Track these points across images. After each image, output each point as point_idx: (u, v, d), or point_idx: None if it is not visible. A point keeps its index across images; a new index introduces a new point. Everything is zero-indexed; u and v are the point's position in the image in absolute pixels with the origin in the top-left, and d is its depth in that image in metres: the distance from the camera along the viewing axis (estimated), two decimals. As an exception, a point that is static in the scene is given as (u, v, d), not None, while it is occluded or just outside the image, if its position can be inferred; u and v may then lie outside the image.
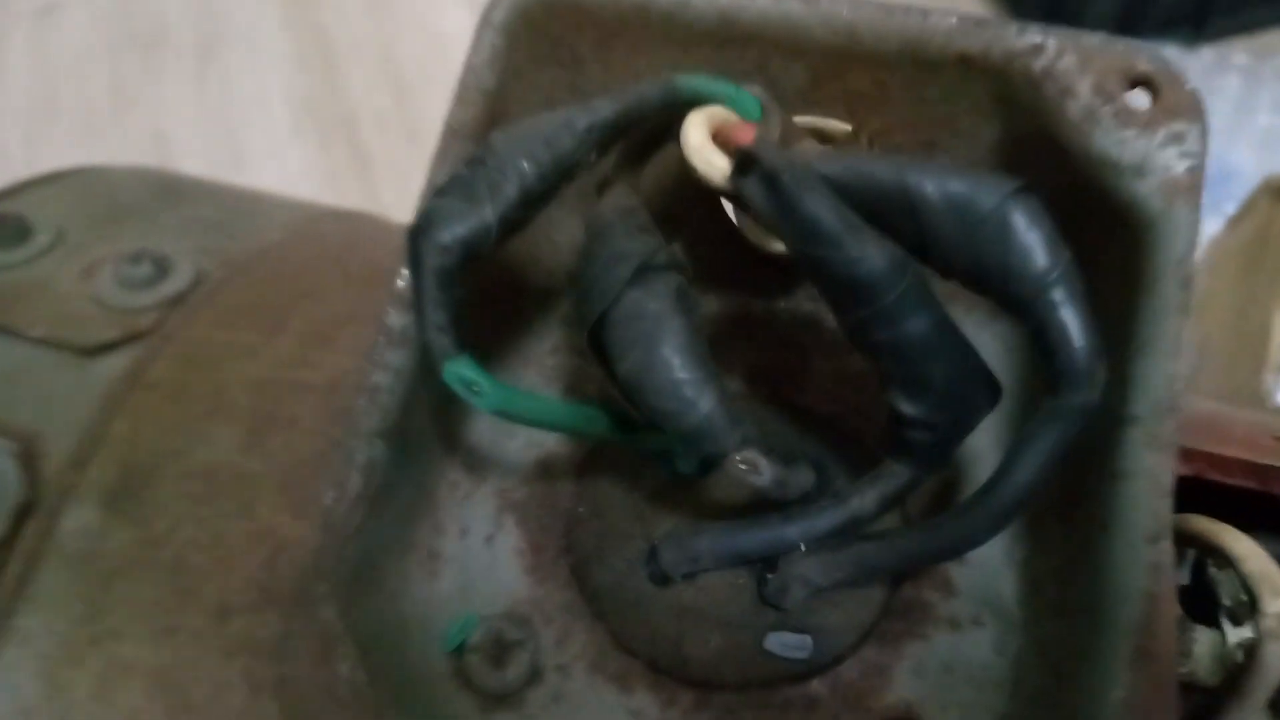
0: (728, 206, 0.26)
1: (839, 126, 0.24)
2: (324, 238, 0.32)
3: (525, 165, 0.19)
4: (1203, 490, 0.27)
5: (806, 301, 0.26)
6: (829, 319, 0.26)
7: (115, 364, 0.27)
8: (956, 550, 0.20)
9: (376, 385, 0.20)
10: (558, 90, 0.24)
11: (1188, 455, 0.27)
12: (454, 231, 0.19)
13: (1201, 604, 0.27)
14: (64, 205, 0.32)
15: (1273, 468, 0.26)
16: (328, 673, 0.19)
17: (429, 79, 1.02)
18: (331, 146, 0.98)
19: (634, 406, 0.20)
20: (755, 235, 0.25)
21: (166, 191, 0.34)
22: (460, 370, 0.19)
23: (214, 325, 0.28)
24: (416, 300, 0.19)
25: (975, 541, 0.19)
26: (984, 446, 0.24)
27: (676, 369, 0.19)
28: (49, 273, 0.29)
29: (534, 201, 0.20)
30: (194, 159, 0.94)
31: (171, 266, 0.29)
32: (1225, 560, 0.25)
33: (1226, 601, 0.27)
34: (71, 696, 0.24)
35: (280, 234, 0.31)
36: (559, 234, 0.26)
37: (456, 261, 0.19)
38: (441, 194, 0.19)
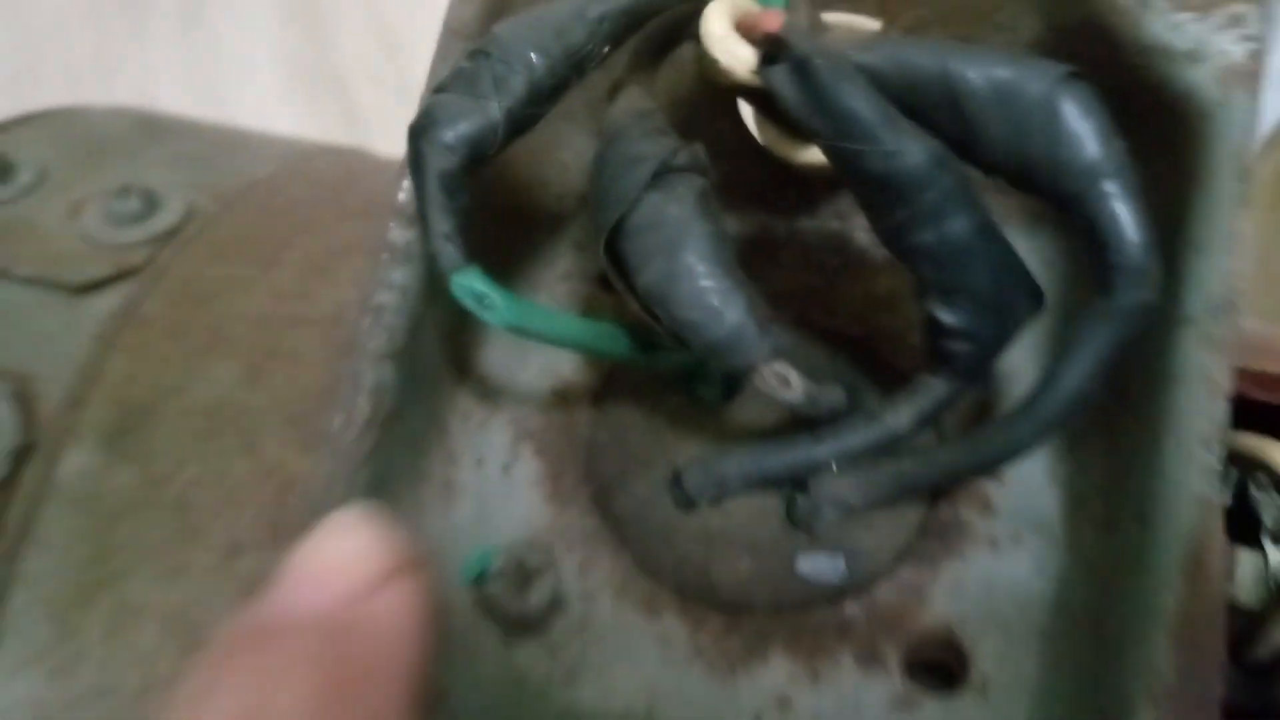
0: (748, 118, 0.24)
1: (867, 23, 0.22)
2: (317, 172, 0.31)
3: (533, 56, 0.18)
4: (1245, 409, 0.26)
5: (832, 220, 0.25)
6: (856, 238, 0.25)
7: (108, 302, 0.26)
8: (1002, 461, 0.19)
9: (382, 305, 0.19)
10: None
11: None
12: (458, 129, 0.17)
13: (1244, 525, 0.26)
14: (45, 143, 0.31)
15: (1319, 383, 0.25)
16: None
17: (418, 35, 0.99)
18: (321, 105, 0.96)
19: (656, 321, 0.18)
20: (778, 145, 0.23)
21: (149, 128, 0.33)
22: (469, 282, 0.18)
23: (208, 260, 0.26)
24: (420, 207, 0.18)
25: (1021, 452, 0.18)
26: (1020, 363, 0.22)
27: (701, 276, 0.18)
28: (34, 211, 0.28)
29: (543, 97, 0.18)
30: (183, 121, 0.91)
31: (161, 201, 0.28)
32: (1270, 478, 0.24)
33: (1269, 523, 0.27)
34: (83, 639, 0.23)
35: (271, 168, 0.30)
36: (567, 153, 0.24)
37: (461, 162, 0.18)
38: (443, 89, 0.18)
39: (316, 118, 0.96)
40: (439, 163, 0.17)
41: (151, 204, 0.27)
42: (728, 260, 0.18)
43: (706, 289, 0.18)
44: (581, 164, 0.25)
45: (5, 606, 0.24)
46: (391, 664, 0.13)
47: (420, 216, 0.18)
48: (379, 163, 0.33)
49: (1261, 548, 0.26)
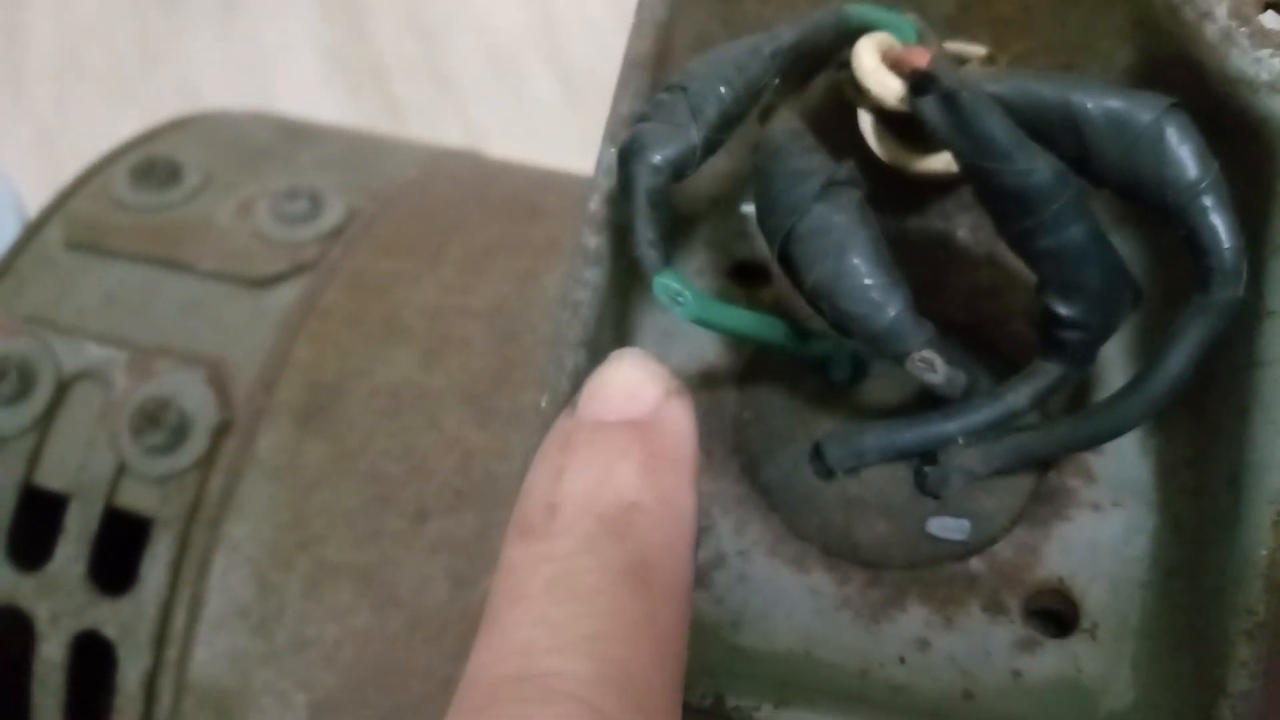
0: (866, 130, 0.27)
1: (977, 51, 0.25)
2: (454, 174, 0.34)
3: (722, 89, 0.21)
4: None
5: (936, 220, 0.28)
6: (958, 236, 0.28)
7: (287, 293, 0.29)
8: (1111, 435, 0.22)
9: (579, 300, 0.22)
10: (712, 23, 0.26)
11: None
12: (664, 152, 0.21)
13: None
14: (201, 147, 0.34)
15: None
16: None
17: (455, 26, 1.01)
18: (362, 95, 0.98)
19: (822, 314, 0.22)
20: (896, 156, 0.26)
21: (291, 133, 0.36)
22: (668, 282, 0.21)
23: (376, 255, 0.29)
24: (629, 219, 0.21)
25: (1127, 427, 0.22)
26: (1113, 354, 0.26)
27: (865, 275, 0.21)
28: (206, 211, 0.31)
29: (730, 123, 0.21)
30: (228, 111, 0.94)
31: (324, 201, 0.31)
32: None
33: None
34: (283, 596, 0.26)
35: (415, 170, 0.33)
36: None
37: (666, 180, 0.21)
38: (646, 119, 0.21)
39: (356, 105, 0.98)
40: (647, 181, 0.20)
41: (316, 204, 0.30)
42: (887, 261, 0.21)
43: (870, 286, 0.21)
44: (712, 171, 0.28)
45: (210, 568, 0.27)
46: (685, 452, 0.18)
47: (628, 228, 0.21)
48: (498, 165, 0.36)
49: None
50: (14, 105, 0.98)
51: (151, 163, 0.32)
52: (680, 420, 0.18)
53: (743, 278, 0.28)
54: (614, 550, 0.16)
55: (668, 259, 0.21)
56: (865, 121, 0.26)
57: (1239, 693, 0.20)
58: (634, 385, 0.19)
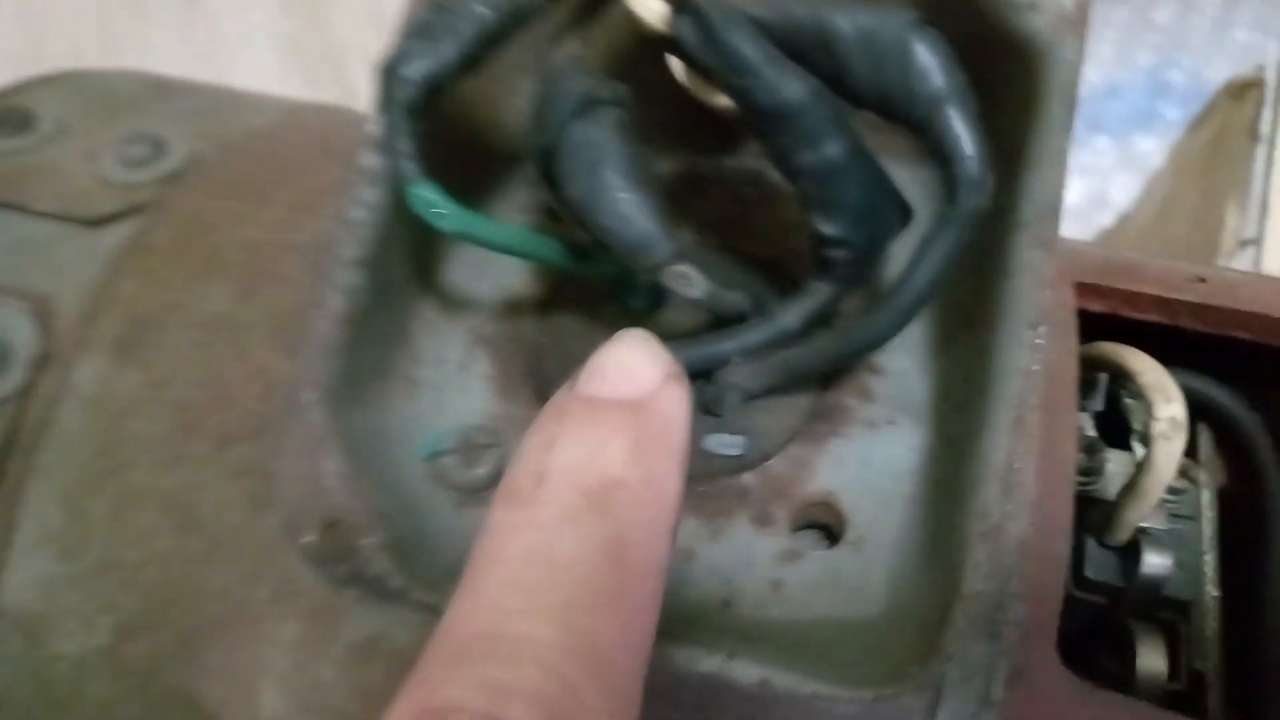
0: (674, 67, 0.28)
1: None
2: (308, 124, 0.34)
3: (481, 8, 0.22)
4: (1117, 327, 0.30)
5: (749, 159, 0.28)
6: (769, 174, 0.29)
7: (119, 232, 0.29)
8: (870, 345, 0.22)
9: (354, 219, 0.23)
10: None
11: (1101, 293, 0.29)
12: (417, 67, 0.21)
13: (1115, 430, 0.30)
14: (63, 99, 0.34)
15: (1180, 301, 0.29)
16: (316, 467, 0.22)
17: (414, 17, 1.02)
18: (319, 84, 1.00)
19: (584, 229, 0.22)
20: (699, 90, 0.27)
21: (158, 87, 0.36)
22: (424, 193, 0.21)
23: (208, 196, 0.30)
24: (386, 132, 0.21)
25: (886, 336, 0.22)
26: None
27: (617, 189, 0.21)
28: (53, 157, 0.32)
29: (490, 42, 0.22)
30: (184, 99, 0.95)
31: (167, 147, 0.31)
32: (1130, 381, 0.28)
33: (1137, 426, 0.30)
34: (91, 520, 0.27)
35: (267, 120, 0.34)
36: (519, 99, 0.28)
37: (421, 94, 0.21)
38: (406, 36, 0.22)
39: (314, 94, 0.99)
40: (402, 94, 0.21)
41: (159, 149, 0.31)
42: (640, 178, 0.22)
43: (621, 199, 0.21)
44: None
45: (22, 496, 0.27)
46: (676, 438, 0.18)
47: (386, 141, 0.21)
48: (361, 116, 0.37)
49: (1130, 449, 0.30)
50: (-25, 95, 0.99)
51: (5, 111, 0.32)
52: (675, 406, 0.18)
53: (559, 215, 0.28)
54: (594, 524, 0.16)
55: (427, 173, 0.21)
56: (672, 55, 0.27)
57: (971, 593, 0.20)
58: (632, 365, 0.19)
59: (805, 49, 0.22)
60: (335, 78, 1.00)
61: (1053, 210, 0.21)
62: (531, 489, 0.17)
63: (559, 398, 0.19)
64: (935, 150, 0.21)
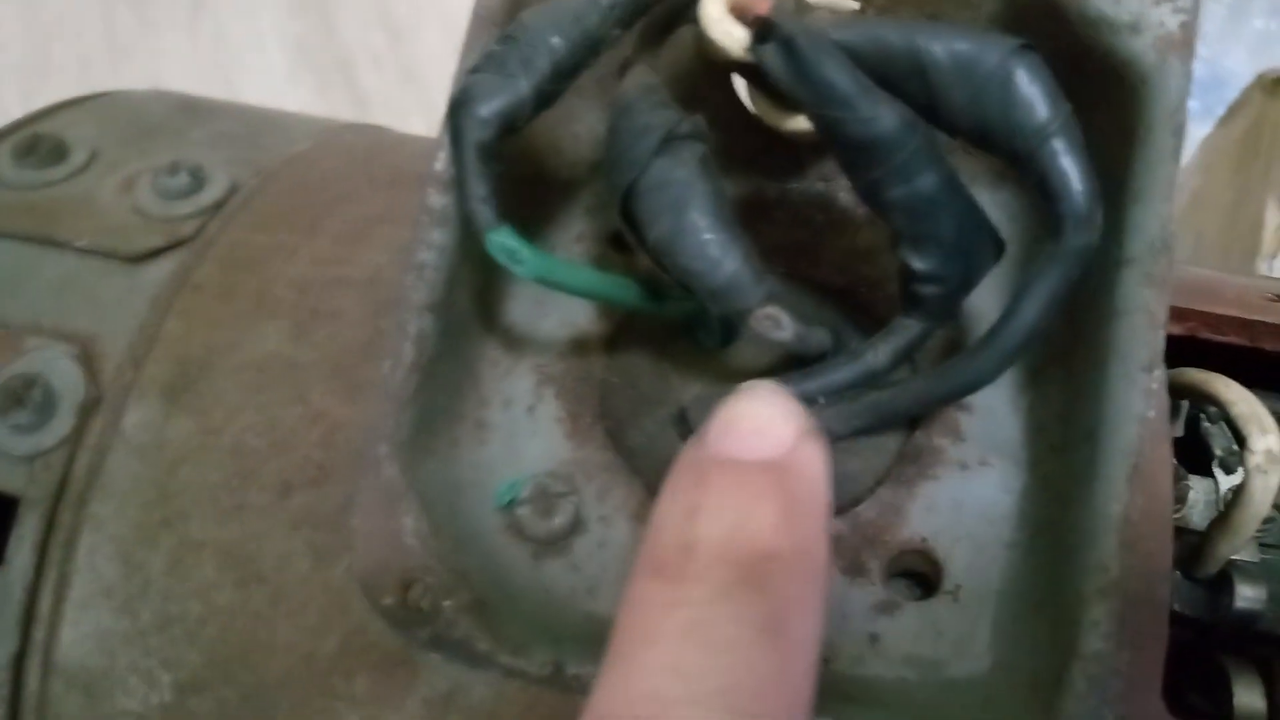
0: (741, 90, 0.27)
1: (847, 4, 0.25)
2: (348, 146, 0.33)
3: (555, 40, 0.20)
4: (1196, 349, 0.29)
5: (817, 182, 0.27)
6: (839, 198, 0.28)
7: (162, 269, 0.28)
8: (968, 389, 0.21)
9: (423, 262, 0.22)
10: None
11: (1181, 315, 0.28)
12: (491, 105, 0.20)
13: (1196, 456, 0.29)
14: (94, 125, 0.33)
15: (1262, 323, 0.28)
16: (393, 524, 0.21)
17: (422, 19, 1.01)
18: (329, 89, 0.98)
19: (665, 271, 0.21)
20: (769, 115, 0.25)
21: (189, 110, 0.35)
22: (502, 239, 0.20)
23: (252, 229, 0.29)
24: (458, 174, 0.20)
25: (986, 379, 0.21)
26: (988, 307, 0.25)
27: (703, 230, 0.20)
28: (89, 188, 0.31)
29: (564, 75, 0.21)
30: (192, 106, 0.93)
31: (207, 176, 0.30)
32: (1217, 410, 0.27)
33: (1218, 452, 0.29)
34: (148, 574, 0.26)
35: (306, 144, 0.32)
36: (579, 125, 0.27)
37: (495, 134, 0.20)
38: (477, 70, 0.20)
39: (323, 99, 0.98)
40: (475, 134, 0.20)
41: (198, 179, 0.30)
42: (727, 217, 0.21)
43: (708, 241, 0.20)
44: (592, 135, 0.27)
45: (75, 548, 0.26)
46: (820, 500, 0.17)
47: (458, 183, 0.20)
48: (397, 137, 0.36)
49: (1212, 476, 0.29)
50: (-19, 103, 0.98)
51: (36, 140, 0.31)
52: (816, 465, 0.18)
53: (623, 245, 0.27)
54: (751, 601, 0.16)
55: (502, 215, 0.20)
56: (740, 78, 0.26)
57: (1091, 654, 0.19)
58: (766, 421, 0.18)
59: (897, 77, 0.21)
60: (344, 80, 0.98)
61: (1164, 246, 0.20)
62: (680, 563, 0.16)
63: (692, 457, 0.18)
64: (1039, 185, 0.20)
